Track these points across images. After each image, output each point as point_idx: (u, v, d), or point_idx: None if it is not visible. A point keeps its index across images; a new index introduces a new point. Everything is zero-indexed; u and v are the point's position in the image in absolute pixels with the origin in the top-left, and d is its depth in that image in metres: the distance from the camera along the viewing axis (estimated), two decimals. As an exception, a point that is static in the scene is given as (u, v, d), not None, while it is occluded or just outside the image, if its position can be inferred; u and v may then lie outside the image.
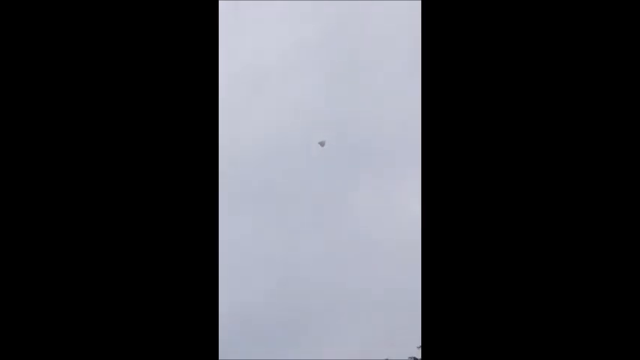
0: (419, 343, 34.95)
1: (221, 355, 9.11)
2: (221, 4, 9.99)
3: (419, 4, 9.25)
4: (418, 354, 34.62)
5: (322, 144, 37.15)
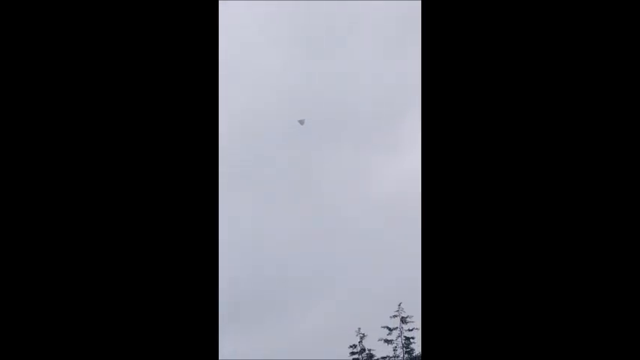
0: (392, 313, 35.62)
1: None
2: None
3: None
4: (393, 323, 35.28)
5: (302, 122, 37.51)
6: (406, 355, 35.35)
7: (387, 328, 35.29)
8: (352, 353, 35.40)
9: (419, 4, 9.66)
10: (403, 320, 35.16)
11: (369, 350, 35.39)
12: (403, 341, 35.28)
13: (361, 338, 35.47)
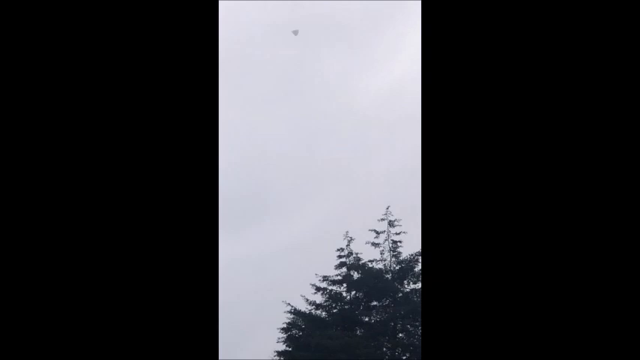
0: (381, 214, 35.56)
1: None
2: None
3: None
4: (381, 226, 35.23)
5: (296, 33, 36.93)
6: (393, 259, 35.46)
7: (375, 231, 35.28)
8: (339, 257, 35.32)
9: (419, 3, 9.55)
10: (390, 224, 35.18)
11: (357, 254, 35.34)
12: (390, 245, 35.35)
13: (349, 242, 35.35)
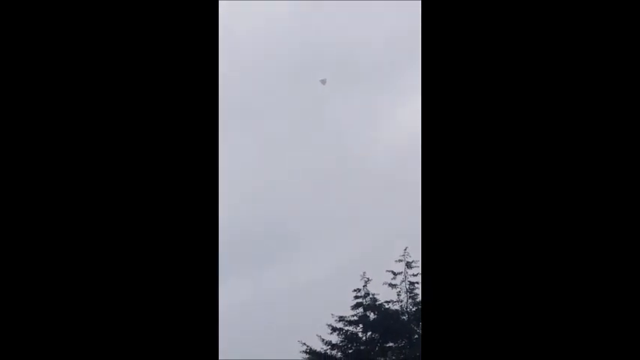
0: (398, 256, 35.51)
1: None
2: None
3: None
4: (398, 267, 35.21)
5: (324, 82, 37.18)
6: (410, 300, 35.37)
7: (392, 272, 35.23)
8: (356, 297, 35.25)
9: (418, 3, 9.59)
10: (408, 265, 35.13)
11: (373, 294, 35.27)
12: (407, 286, 35.28)
13: (365, 282, 35.31)
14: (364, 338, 35.08)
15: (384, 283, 35.20)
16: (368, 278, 35.26)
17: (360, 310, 35.08)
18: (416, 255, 35.09)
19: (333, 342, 34.83)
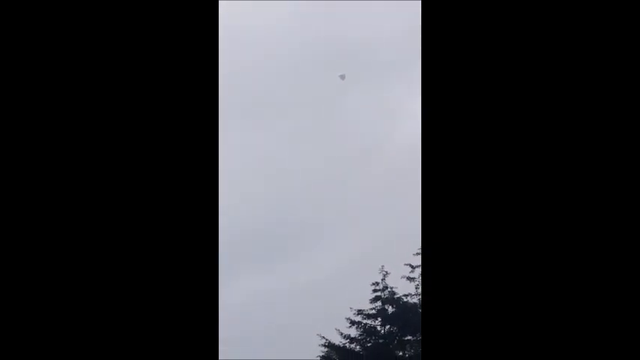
0: (416, 250, 35.49)
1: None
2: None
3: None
4: (416, 260, 35.16)
5: (343, 77, 37.19)
6: (428, 293, 35.33)
7: (410, 265, 35.20)
8: (374, 291, 35.30)
9: (419, 3, 9.55)
10: (426, 258, 35.10)
11: (392, 288, 35.30)
12: (426, 279, 35.26)
13: (384, 276, 35.33)
14: (383, 332, 35.11)
15: (402, 277, 35.17)
16: (386, 272, 35.27)
17: (379, 303, 35.11)
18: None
19: (352, 335, 34.88)
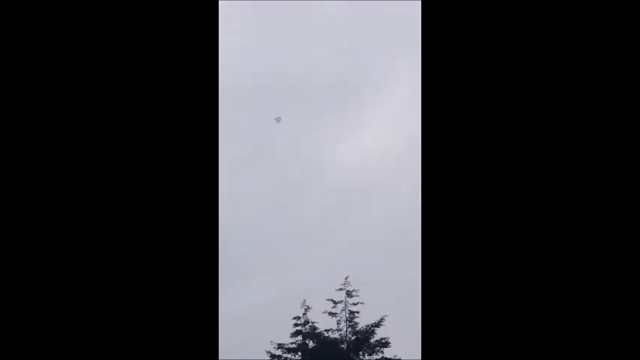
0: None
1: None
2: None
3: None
4: (339, 296, 35.15)
5: (278, 120, 37.55)
6: (349, 329, 35.37)
7: (332, 300, 35.23)
8: (296, 325, 35.19)
9: (418, 3, 9.67)
10: (349, 294, 35.17)
11: (313, 323, 35.24)
12: (347, 315, 35.28)
13: (305, 310, 35.26)
14: (302, 366, 34.97)
15: (324, 312, 35.14)
16: (308, 306, 35.22)
17: (300, 337, 34.98)
18: (356, 284, 35.18)
19: (272, 369, 34.67)
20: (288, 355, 34.94)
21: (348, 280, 34.98)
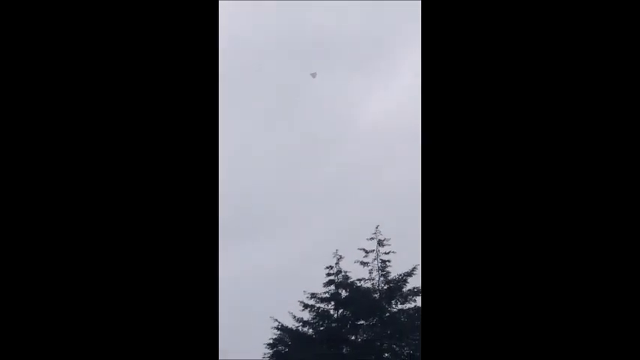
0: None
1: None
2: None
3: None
4: (370, 245, 35.20)
5: (314, 75, 37.39)
6: (381, 278, 35.48)
7: (364, 250, 35.31)
8: (328, 274, 35.35)
9: (419, 3, 9.60)
10: (380, 243, 35.21)
11: (345, 272, 35.38)
12: (379, 264, 35.37)
13: (338, 260, 35.39)
14: (336, 315, 35.16)
15: (355, 262, 35.27)
16: (340, 256, 35.34)
17: (332, 287, 35.16)
18: (387, 233, 35.21)
19: (305, 319, 34.90)
20: (321, 305, 35.14)
21: (379, 229, 34.97)
